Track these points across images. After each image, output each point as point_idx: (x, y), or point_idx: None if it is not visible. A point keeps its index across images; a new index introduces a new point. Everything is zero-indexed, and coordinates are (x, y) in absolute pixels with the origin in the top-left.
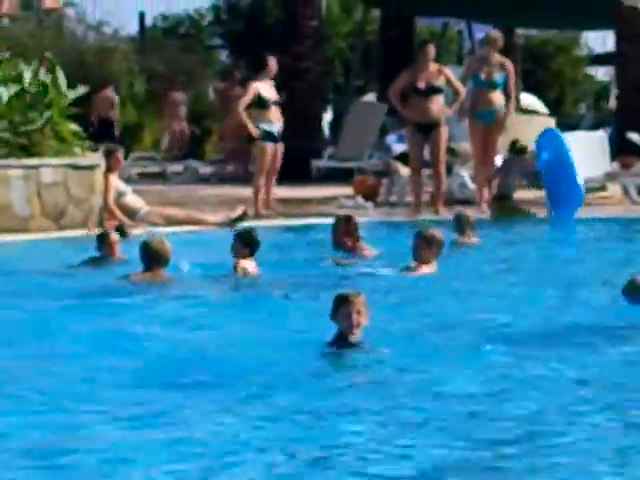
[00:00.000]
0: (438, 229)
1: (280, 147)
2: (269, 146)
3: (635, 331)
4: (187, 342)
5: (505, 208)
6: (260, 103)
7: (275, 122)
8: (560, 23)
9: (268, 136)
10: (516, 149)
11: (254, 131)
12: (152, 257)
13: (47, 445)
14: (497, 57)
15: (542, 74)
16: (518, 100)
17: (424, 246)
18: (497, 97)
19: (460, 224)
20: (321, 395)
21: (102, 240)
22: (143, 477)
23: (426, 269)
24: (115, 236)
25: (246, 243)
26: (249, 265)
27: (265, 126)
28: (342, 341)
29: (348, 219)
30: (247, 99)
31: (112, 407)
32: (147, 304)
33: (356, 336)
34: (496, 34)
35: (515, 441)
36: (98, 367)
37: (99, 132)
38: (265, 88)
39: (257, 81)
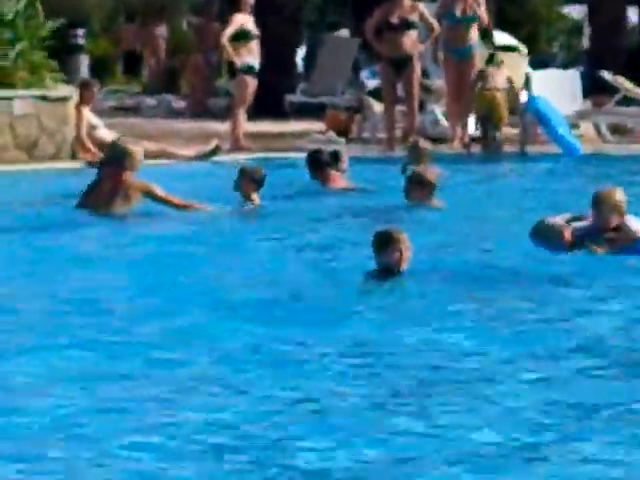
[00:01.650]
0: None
1: (255, 81)
2: (251, 80)
3: None
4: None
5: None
6: (243, 36)
7: (256, 56)
8: None
9: (250, 70)
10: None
11: (238, 63)
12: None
13: None
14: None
15: (516, 12)
16: (492, 37)
17: (417, 188)
18: (472, 33)
19: (416, 154)
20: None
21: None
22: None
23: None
24: None
25: (253, 179)
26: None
27: (248, 59)
28: (387, 273)
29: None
30: (231, 31)
31: None
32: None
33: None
34: None
35: None
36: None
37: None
38: (247, 21)
39: (239, 13)
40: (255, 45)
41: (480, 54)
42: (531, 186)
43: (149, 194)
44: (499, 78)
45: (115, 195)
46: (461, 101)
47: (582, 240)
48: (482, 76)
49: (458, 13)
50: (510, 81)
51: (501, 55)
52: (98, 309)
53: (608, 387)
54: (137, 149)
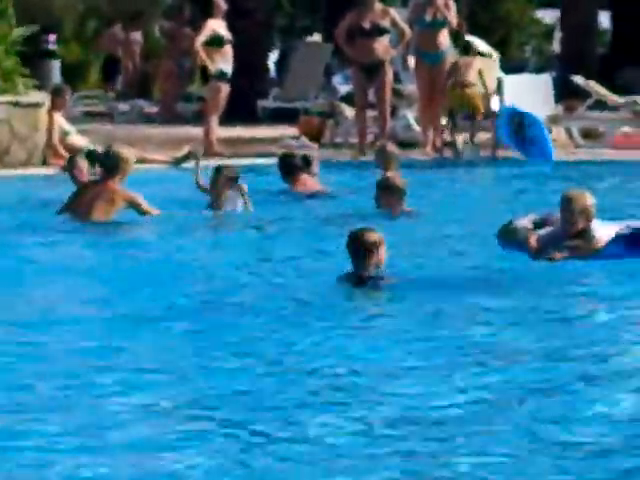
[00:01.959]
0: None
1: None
2: (224, 86)
3: None
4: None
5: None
6: (217, 41)
7: (230, 61)
8: None
9: (223, 75)
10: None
11: (212, 69)
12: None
13: None
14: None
15: (488, 17)
16: (463, 39)
17: (386, 194)
18: (443, 37)
19: (384, 159)
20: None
21: (71, 164)
22: None
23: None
24: (83, 161)
25: (230, 177)
26: None
27: (221, 65)
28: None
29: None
30: (204, 36)
31: None
32: None
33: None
34: None
35: None
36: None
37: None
38: (220, 26)
39: (212, 19)
40: (228, 50)
41: (452, 58)
42: (502, 191)
43: (132, 204)
44: (471, 71)
45: (99, 201)
46: (433, 106)
47: (546, 246)
48: (454, 68)
49: (428, 18)
50: (481, 74)
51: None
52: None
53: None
54: (131, 155)
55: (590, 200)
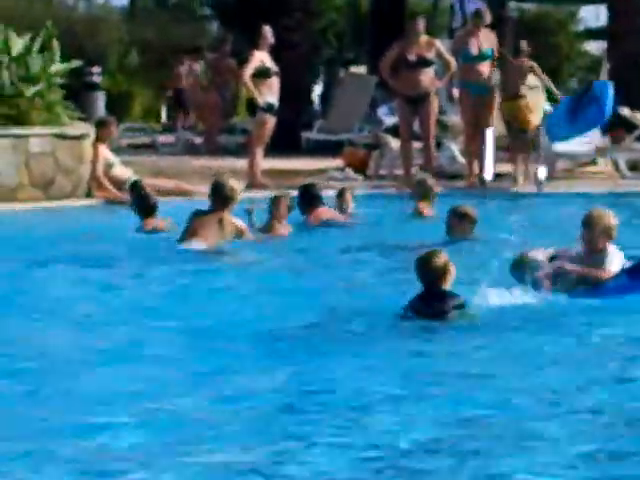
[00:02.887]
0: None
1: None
2: (270, 118)
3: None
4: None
5: None
6: (263, 73)
7: (276, 93)
8: None
9: (270, 108)
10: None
11: (260, 101)
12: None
13: None
14: (485, 31)
15: (538, 48)
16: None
17: (456, 222)
18: (487, 69)
19: (423, 190)
20: None
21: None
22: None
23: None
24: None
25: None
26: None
27: (268, 97)
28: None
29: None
30: (251, 68)
31: None
32: None
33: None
34: (484, 8)
35: None
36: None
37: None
38: (266, 58)
39: (258, 51)
40: (275, 82)
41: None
42: (548, 223)
43: (240, 234)
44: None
45: (214, 229)
46: (478, 138)
47: (556, 280)
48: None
49: (473, 50)
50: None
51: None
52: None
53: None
54: (240, 185)
55: (613, 220)
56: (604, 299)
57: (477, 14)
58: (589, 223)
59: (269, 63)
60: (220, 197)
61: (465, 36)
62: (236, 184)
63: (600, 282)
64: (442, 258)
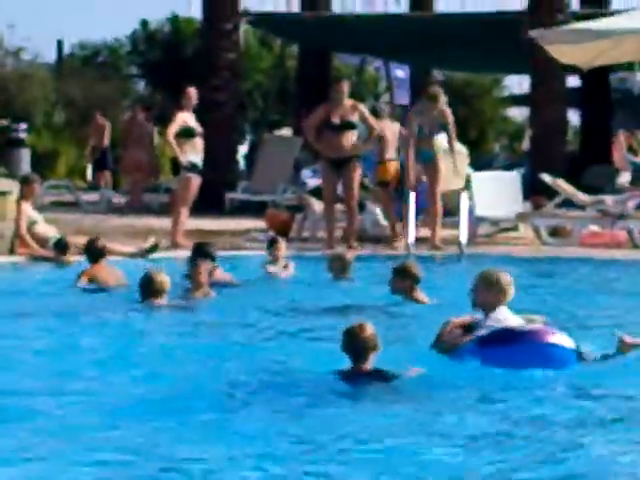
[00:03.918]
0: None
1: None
2: (195, 177)
3: None
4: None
5: None
6: (187, 133)
7: (200, 153)
8: (477, 66)
9: (193, 167)
10: None
11: (183, 161)
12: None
13: None
14: (436, 109)
15: (464, 113)
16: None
17: (398, 279)
18: (432, 142)
19: (342, 265)
20: None
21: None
22: None
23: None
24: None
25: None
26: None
27: (191, 157)
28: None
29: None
30: (175, 128)
31: None
32: None
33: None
34: (436, 90)
35: None
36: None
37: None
38: (190, 118)
39: (182, 111)
40: (199, 142)
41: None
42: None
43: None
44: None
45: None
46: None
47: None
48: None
49: (426, 129)
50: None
51: (443, 156)
52: None
53: None
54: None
55: (505, 280)
56: (462, 361)
57: (430, 95)
58: (476, 281)
59: (193, 123)
60: (150, 291)
61: (417, 115)
62: (165, 277)
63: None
64: (369, 331)
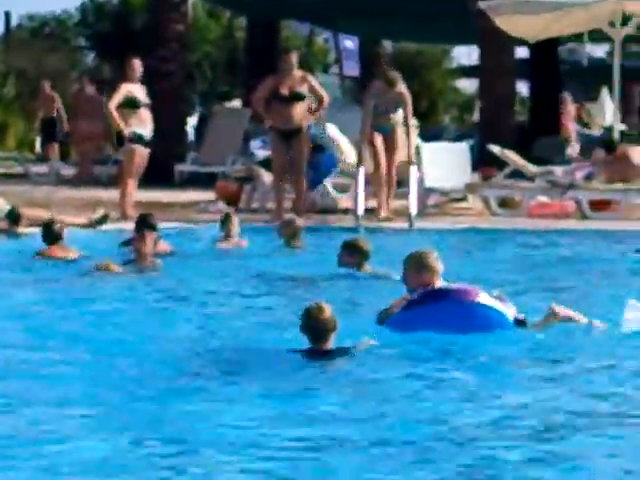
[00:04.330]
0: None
1: (148, 151)
2: (139, 149)
3: None
4: None
5: None
6: (131, 104)
7: (146, 124)
8: (426, 37)
9: (139, 139)
10: None
11: (126, 131)
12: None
13: None
14: (394, 92)
15: (414, 85)
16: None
17: (346, 254)
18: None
19: (291, 231)
20: None
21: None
22: None
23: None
24: None
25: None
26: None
27: (136, 128)
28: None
29: None
30: (117, 99)
31: None
32: None
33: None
34: (391, 73)
35: None
36: None
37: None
38: (136, 89)
39: (127, 82)
40: (144, 113)
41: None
42: None
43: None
44: None
45: None
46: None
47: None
48: None
49: (382, 108)
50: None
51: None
52: None
53: None
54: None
55: (432, 259)
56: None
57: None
58: (405, 262)
59: (140, 94)
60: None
61: (372, 96)
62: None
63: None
64: (328, 312)
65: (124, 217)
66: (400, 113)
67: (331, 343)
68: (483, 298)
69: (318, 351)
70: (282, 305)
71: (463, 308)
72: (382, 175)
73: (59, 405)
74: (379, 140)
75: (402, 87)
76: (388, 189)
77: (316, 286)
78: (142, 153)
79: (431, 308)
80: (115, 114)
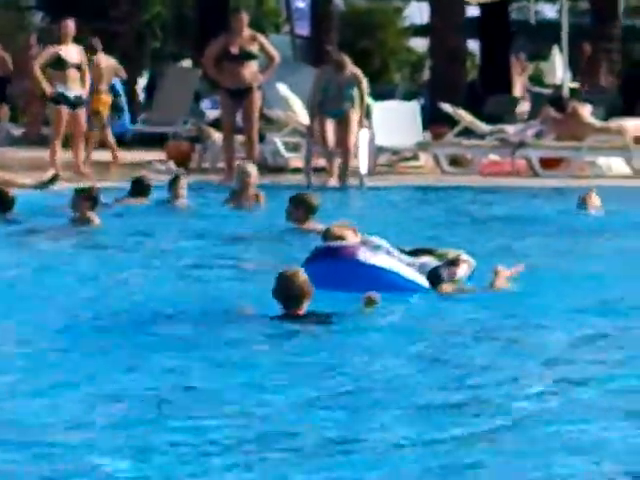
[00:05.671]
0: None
1: (81, 112)
2: (64, 109)
3: None
4: None
5: None
6: (57, 64)
7: (73, 86)
8: None
9: (64, 99)
10: None
11: (48, 91)
12: None
13: None
14: (344, 74)
15: (366, 44)
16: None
17: (293, 208)
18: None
19: (243, 178)
20: None
21: None
22: None
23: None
24: None
25: (88, 197)
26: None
27: (61, 89)
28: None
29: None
30: (42, 59)
31: None
32: None
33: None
34: (339, 56)
35: None
36: None
37: None
38: (67, 50)
39: (59, 44)
40: (73, 74)
41: None
42: (366, 215)
43: None
44: None
45: None
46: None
47: None
48: None
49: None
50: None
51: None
52: None
53: None
54: None
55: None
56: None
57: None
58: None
59: (67, 56)
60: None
61: (326, 74)
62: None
63: None
64: (302, 277)
65: (80, 175)
66: (355, 93)
67: (305, 308)
68: (363, 256)
69: (292, 315)
70: (228, 260)
71: (345, 266)
72: (331, 152)
73: None
74: (330, 127)
75: (353, 67)
76: (344, 160)
77: (262, 242)
78: (67, 114)
79: (317, 266)
80: (38, 74)
